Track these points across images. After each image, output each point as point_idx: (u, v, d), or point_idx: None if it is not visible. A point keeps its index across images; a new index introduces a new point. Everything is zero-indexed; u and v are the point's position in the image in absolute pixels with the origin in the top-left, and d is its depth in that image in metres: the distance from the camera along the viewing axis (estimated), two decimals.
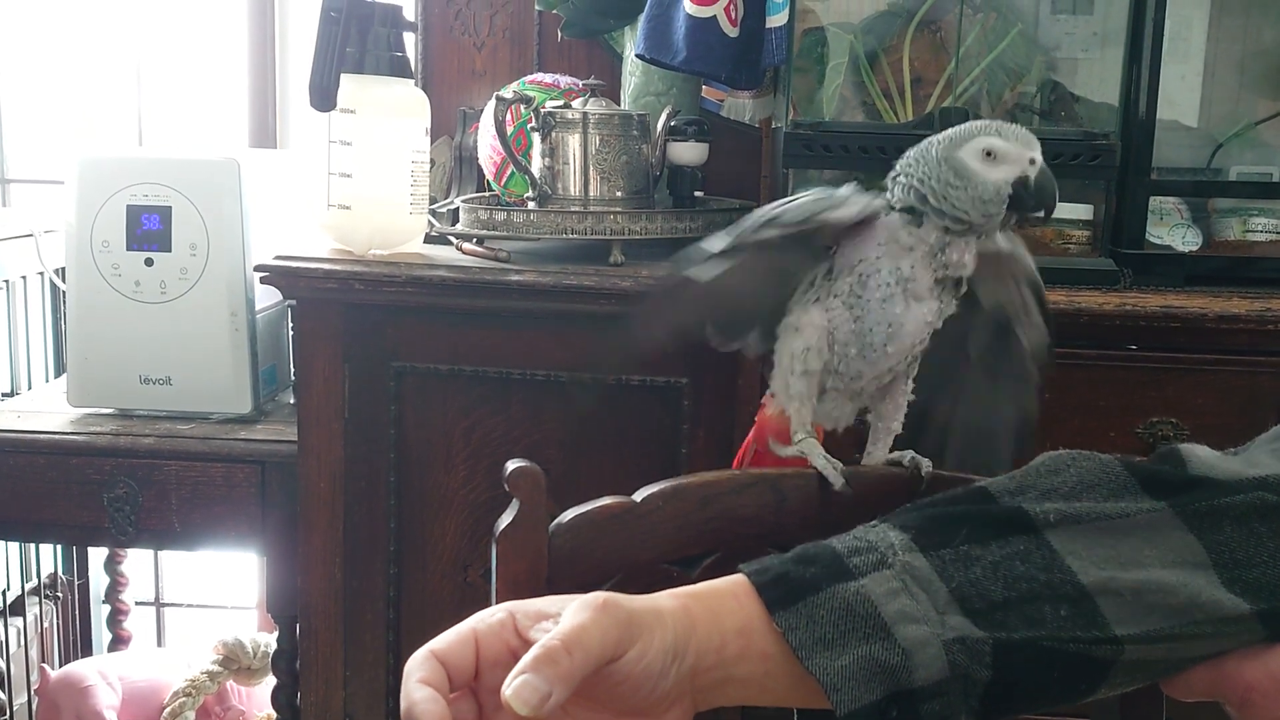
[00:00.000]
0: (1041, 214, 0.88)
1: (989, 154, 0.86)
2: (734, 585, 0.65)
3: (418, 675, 0.57)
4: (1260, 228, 1.52)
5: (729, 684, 0.63)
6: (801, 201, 0.88)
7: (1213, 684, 0.66)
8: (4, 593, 2.06)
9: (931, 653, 0.61)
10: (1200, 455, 0.70)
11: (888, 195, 0.90)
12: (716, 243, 0.88)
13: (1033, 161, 0.86)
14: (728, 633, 0.63)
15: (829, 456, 0.89)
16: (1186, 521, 0.66)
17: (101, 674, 2.08)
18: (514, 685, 0.55)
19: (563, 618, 0.58)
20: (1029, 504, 0.67)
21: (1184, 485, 0.67)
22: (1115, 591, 0.63)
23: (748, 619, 0.63)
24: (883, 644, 0.61)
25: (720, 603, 0.64)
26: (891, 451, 0.96)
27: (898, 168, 0.90)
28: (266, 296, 1.65)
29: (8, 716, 1.97)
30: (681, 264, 0.90)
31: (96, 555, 2.32)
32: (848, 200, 0.88)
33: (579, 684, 0.56)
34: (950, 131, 0.89)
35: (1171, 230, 1.53)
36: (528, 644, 0.58)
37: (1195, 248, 1.53)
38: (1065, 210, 1.50)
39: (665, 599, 0.63)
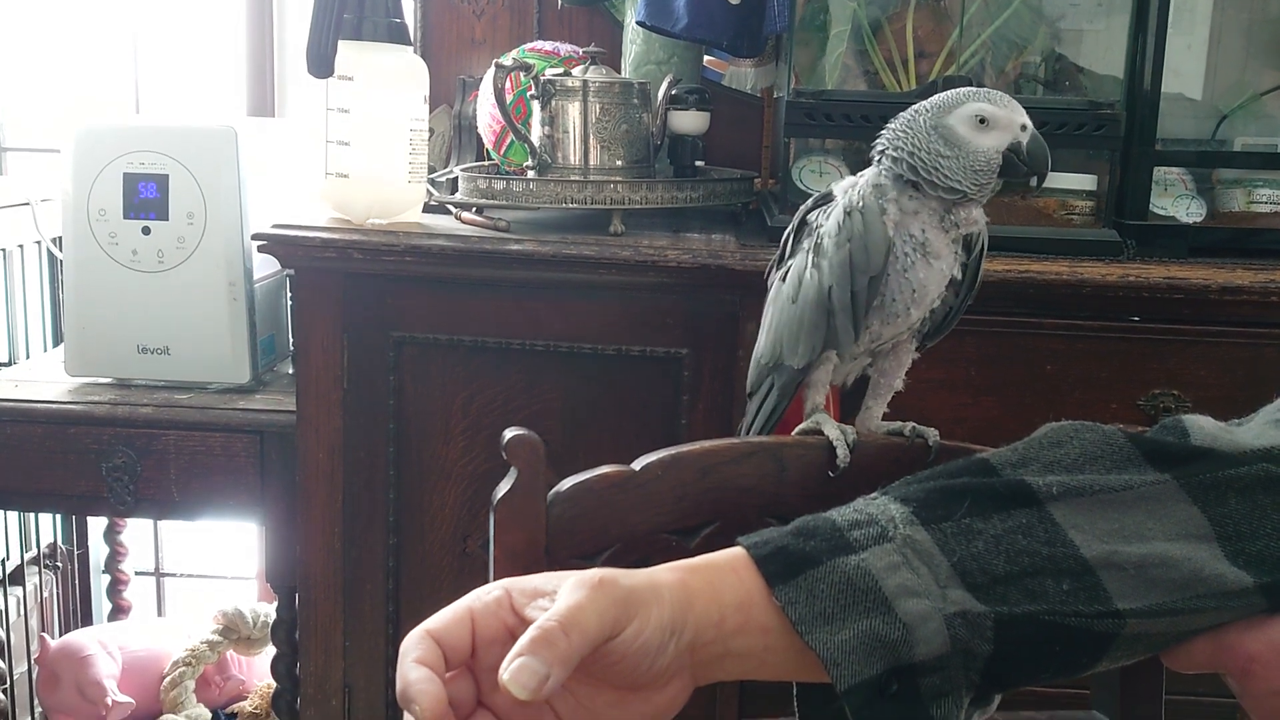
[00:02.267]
0: (1034, 181, 0.87)
1: (981, 120, 0.85)
2: (733, 558, 0.64)
3: (413, 655, 0.56)
4: (1265, 199, 1.51)
5: (728, 658, 0.63)
6: (869, 246, 0.88)
7: (1214, 655, 0.65)
8: (4, 562, 2.06)
9: (932, 627, 0.60)
10: (1203, 426, 0.69)
11: (879, 168, 0.90)
12: (845, 340, 0.91)
13: (1024, 128, 0.85)
14: (726, 607, 0.62)
15: (843, 428, 0.89)
16: (1190, 494, 0.65)
17: (101, 643, 2.08)
18: (511, 669, 0.54)
19: (559, 597, 0.58)
20: (1031, 476, 0.66)
21: (1187, 457, 0.67)
22: (1118, 565, 0.62)
23: (747, 593, 0.63)
24: (883, 618, 0.60)
25: (719, 576, 0.63)
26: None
27: (884, 140, 0.89)
28: (265, 266, 1.64)
29: (8, 685, 1.97)
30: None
31: (96, 525, 2.33)
32: (883, 199, 0.88)
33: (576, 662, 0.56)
34: (936, 99, 0.88)
35: (1175, 201, 1.52)
36: (525, 622, 0.58)
37: (1199, 219, 1.52)
38: (1069, 181, 1.50)
39: (663, 573, 0.62)
